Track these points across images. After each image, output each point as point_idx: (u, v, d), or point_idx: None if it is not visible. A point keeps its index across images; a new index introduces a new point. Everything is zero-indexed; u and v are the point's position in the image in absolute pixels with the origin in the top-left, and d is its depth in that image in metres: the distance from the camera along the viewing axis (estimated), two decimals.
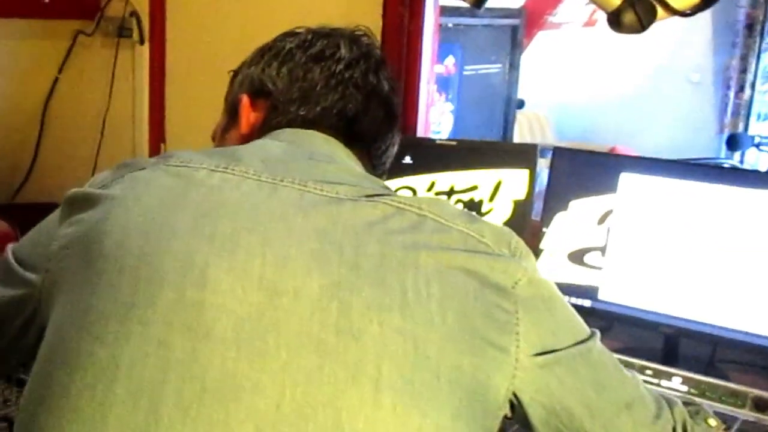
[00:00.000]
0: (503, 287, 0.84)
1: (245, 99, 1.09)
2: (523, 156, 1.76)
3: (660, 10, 1.10)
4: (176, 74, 2.43)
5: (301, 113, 1.04)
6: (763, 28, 2.66)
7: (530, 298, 0.85)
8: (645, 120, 3.30)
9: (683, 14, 1.09)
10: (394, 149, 1.13)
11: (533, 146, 1.85)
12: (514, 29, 2.99)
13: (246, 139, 1.06)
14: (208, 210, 0.86)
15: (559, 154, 1.74)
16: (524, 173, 1.73)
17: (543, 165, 1.82)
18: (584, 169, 1.68)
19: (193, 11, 2.37)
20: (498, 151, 1.86)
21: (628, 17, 1.10)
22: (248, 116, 1.08)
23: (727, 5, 2.82)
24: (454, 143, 1.85)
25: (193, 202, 0.86)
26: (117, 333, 0.80)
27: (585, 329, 0.91)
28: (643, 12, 1.09)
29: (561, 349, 0.87)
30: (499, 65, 2.95)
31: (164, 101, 2.45)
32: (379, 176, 1.09)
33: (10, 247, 1.01)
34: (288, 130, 1.04)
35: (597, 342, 0.91)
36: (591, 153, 1.79)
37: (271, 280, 0.81)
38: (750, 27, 2.75)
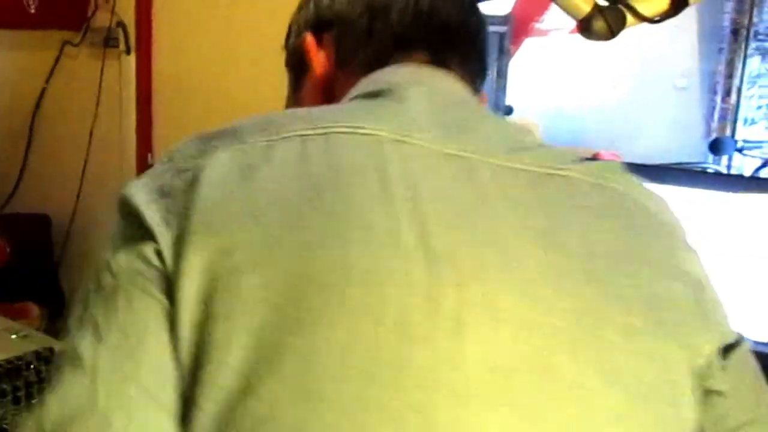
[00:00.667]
0: (701, 282, 0.74)
1: (308, 36, 0.92)
2: None
3: (629, 17, 1.10)
4: (163, 84, 2.44)
5: (376, 28, 0.88)
6: (748, 34, 2.67)
7: (703, 289, 0.75)
8: (633, 125, 3.31)
9: (652, 21, 1.09)
10: (486, 49, 0.96)
11: None
12: (501, 36, 2.98)
13: (325, 81, 0.91)
14: (426, 212, 0.65)
15: None
16: None
17: None
18: None
19: (179, 21, 2.38)
20: None
21: (598, 24, 1.10)
22: (318, 55, 0.92)
23: (712, 11, 2.83)
24: None
25: (405, 199, 0.65)
26: (357, 399, 0.59)
27: (733, 329, 0.79)
28: (613, 19, 1.10)
29: (733, 346, 0.75)
30: (487, 72, 2.94)
31: (151, 111, 2.45)
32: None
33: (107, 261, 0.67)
34: (405, 68, 0.85)
35: (747, 345, 0.80)
36: None
37: (525, 317, 0.64)
38: (735, 32, 2.76)
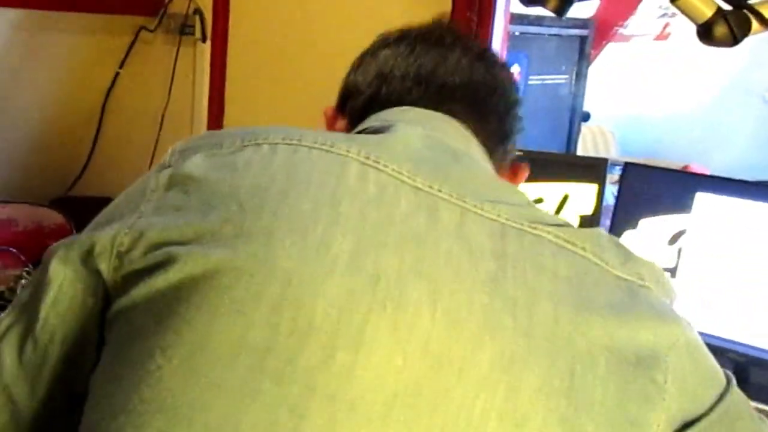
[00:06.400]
0: (659, 354, 0.70)
1: (328, 110, 0.98)
2: (592, 170, 1.70)
3: (755, 24, 1.03)
4: (237, 74, 2.42)
5: (381, 93, 0.92)
6: None
7: (680, 361, 0.72)
8: (715, 138, 3.21)
9: None
10: (509, 110, 0.96)
11: (603, 160, 1.79)
12: (583, 40, 2.92)
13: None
14: (369, 234, 0.67)
15: (630, 170, 1.68)
16: (592, 188, 1.67)
17: (607, 181, 1.76)
18: (657, 187, 1.62)
19: (257, 10, 2.35)
20: (566, 163, 1.81)
21: (720, 30, 1.03)
22: (335, 125, 0.96)
23: None
24: (520, 153, 1.79)
25: (352, 217, 0.68)
26: (243, 385, 0.63)
27: (722, 376, 0.77)
28: (737, 24, 1.02)
29: (701, 417, 0.73)
30: (566, 76, 2.88)
31: (224, 100, 2.43)
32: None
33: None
34: (409, 109, 0.89)
35: (734, 391, 0.77)
36: (664, 170, 1.73)
37: (438, 347, 0.65)
38: None
